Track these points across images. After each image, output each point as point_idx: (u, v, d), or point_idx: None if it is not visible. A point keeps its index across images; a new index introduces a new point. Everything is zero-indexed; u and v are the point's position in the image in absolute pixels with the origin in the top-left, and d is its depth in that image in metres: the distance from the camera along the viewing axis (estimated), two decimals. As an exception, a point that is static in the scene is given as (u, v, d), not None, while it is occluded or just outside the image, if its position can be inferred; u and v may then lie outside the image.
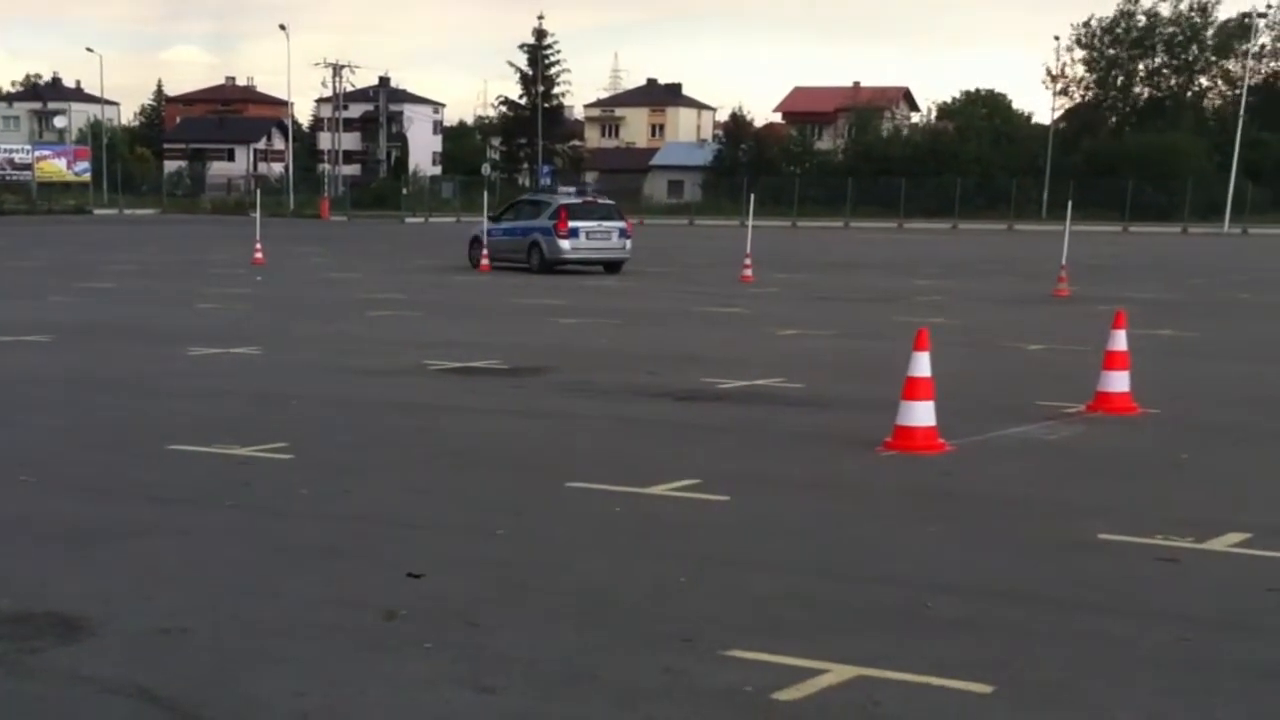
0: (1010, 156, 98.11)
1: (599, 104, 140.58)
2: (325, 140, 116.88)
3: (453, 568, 7.45)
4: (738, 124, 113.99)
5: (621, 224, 33.99)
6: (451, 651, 6.09)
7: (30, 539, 8.02)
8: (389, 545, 7.94)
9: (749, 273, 31.80)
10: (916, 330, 11.27)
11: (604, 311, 23.50)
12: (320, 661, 5.98)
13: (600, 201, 35.18)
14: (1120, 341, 12.86)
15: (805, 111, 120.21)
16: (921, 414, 10.85)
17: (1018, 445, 11.28)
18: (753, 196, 41.60)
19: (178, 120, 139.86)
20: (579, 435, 11.68)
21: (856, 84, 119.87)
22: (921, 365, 10.90)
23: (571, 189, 38.03)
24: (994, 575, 7.40)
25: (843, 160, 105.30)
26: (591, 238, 32.94)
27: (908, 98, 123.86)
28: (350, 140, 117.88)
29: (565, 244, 32.67)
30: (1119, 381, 12.89)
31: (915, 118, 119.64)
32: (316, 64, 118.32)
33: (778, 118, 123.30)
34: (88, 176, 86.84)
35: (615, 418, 12.54)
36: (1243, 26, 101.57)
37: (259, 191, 59.64)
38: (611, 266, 33.79)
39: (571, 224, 32.66)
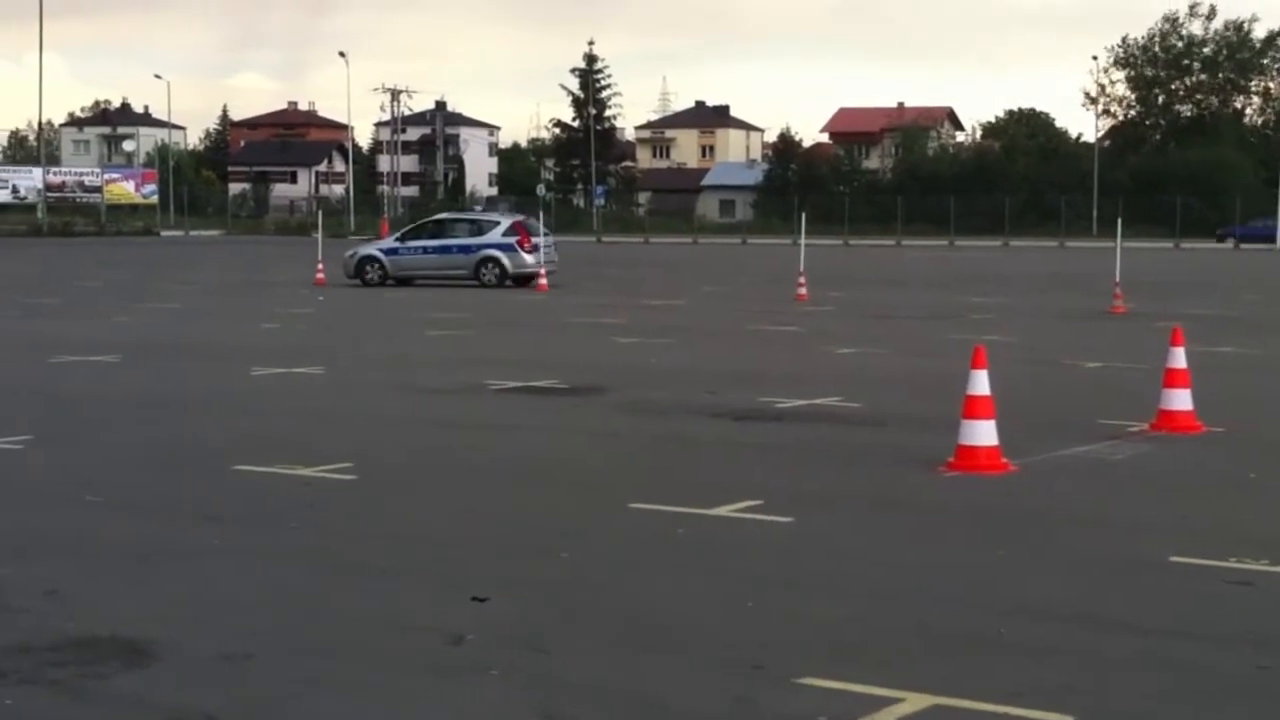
0: (1058, 174, 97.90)
1: (649, 125, 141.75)
2: (384, 162, 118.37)
3: (517, 590, 7.41)
4: (786, 144, 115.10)
5: (553, 239, 37.09)
6: (519, 678, 6.04)
7: (96, 560, 8.04)
8: (453, 567, 7.91)
9: (803, 291, 31.70)
10: (974, 348, 11.16)
11: (661, 330, 23.46)
12: (387, 686, 5.94)
13: (531, 220, 38.14)
14: (1180, 359, 12.69)
15: (851, 131, 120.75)
16: (983, 433, 10.73)
17: (1082, 465, 11.14)
18: (804, 215, 41.51)
19: (242, 144, 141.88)
20: (640, 455, 11.63)
21: (901, 104, 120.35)
22: (981, 383, 10.79)
23: (479, 206, 40.70)
24: (1065, 599, 7.29)
25: (890, 179, 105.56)
26: (544, 251, 35.27)
27: (952, 117, 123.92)
28: (409, 162, 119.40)
29: (529, 258, 34.74)
30: (1182, 399, 12.71)
31: (960, 136, 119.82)
32: (376, 89, 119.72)
33: (824, 138, 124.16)
34: (155, 199, 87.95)
35: (675, 437, 12.49)
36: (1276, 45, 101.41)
37: (320, 213, 60.03)
38: (532, 279, 35.14)
39: (533, 240, 35.02)
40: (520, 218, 37.38)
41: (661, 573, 7.80)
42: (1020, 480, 10.41)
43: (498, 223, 35.78)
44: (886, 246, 79.65)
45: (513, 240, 34.71)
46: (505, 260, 34.46)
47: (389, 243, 36.55)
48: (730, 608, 7.08)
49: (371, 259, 35.53)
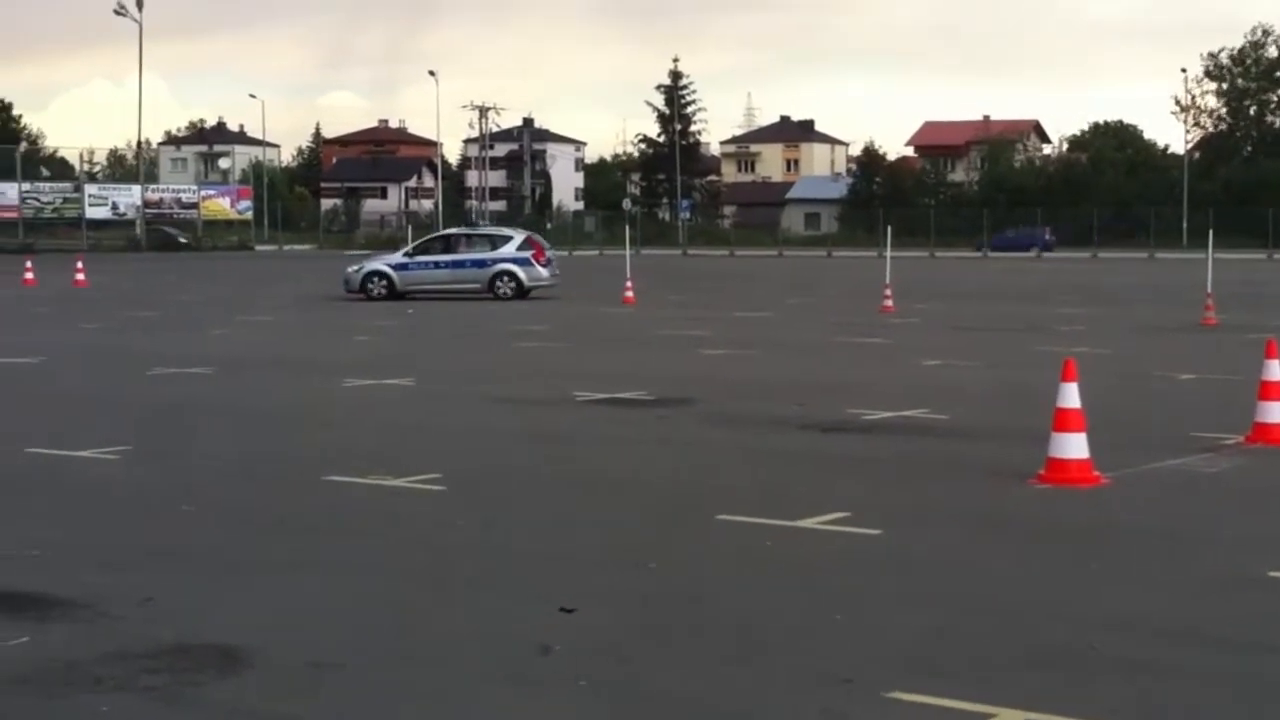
0: (1147, 185, 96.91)
1: (734, 140, 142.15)
2: (473, 178, 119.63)
3: (604, 601, 7.42)
4: (871, 158, 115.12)
5: (556, 253, 38.43)
6: (607, 689, 6.05)
7: (191, 569, 8.14)
8: (540, 577, 7.94)
9: (889, 303, 31.52)
10: (1064, 360, 11.04)
11: (748, 342, 23.42)
12: (475, 697, 5.97)
13: (536, 235, 39.95)
14: (1275, 371, 12.47)
15: (936, 145, 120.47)
16: (1074, 446, 10.61)
17: (1175, 478, 10.99)
18: (890, 228, 41.30)
19: (334, 161, 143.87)
20: (726, 467, 11.62)
21: (986, 117, 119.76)
22: (1071, 396, 10.67)
23: (485, 221, 41.77)
24: (1160, 614, 7.19)
25: (976, 191, 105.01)
26: (553, 264, 36.55)
27: (1038, 130, 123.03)
28: (496, 178, 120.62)
29: (544, 272, 35.70)
30: (1277, 412, 12.50)
31: (1046, 149, 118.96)
32: (464, 106, 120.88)
33: (910, 151, 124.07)
34: (249, 215, 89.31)
35: (762, 449, 12.46)
36: None
37: (410, 227, 60.53)
38: (528, 292, 35.63)
39: (547, 254, 36.13)
40: (532, 233, 38.37)
41: (749, 585, 7.78)
42: (1112, 493, 10.29)
43: (511, 238, 36.44)
44: (972, 258, 79.06)
45: (528, 254, 35.36)
46: (521, 274, 35.03)
47: (396, 258, 36.78)
48: (819, 621, 7.05)
49: (378, 274, 35.74)
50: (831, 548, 8.67)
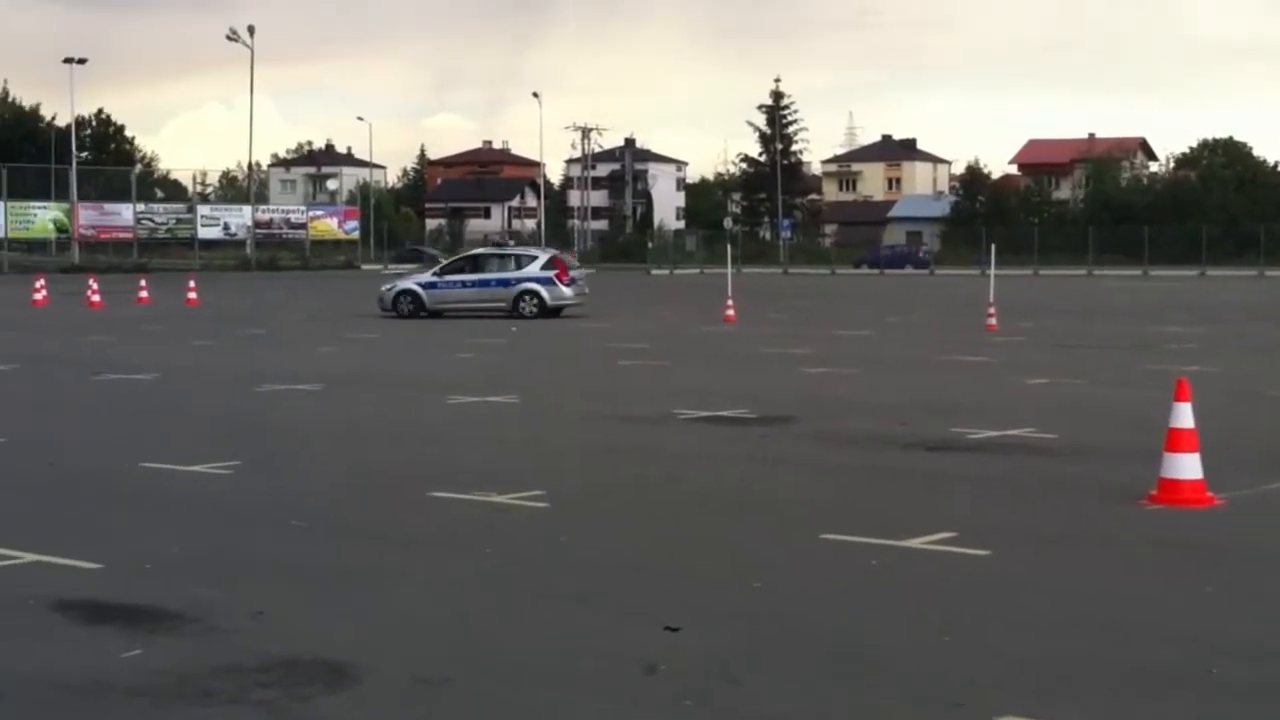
0: (1256, 202, 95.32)
1: (835, 159, 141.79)
2: (575, 198, 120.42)
3: (710, 620, 7.39)
4: (974, 176, 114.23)
5: (584, 272, 38.32)
6: (714, 710, 6.01)
7: (300, 583, 8.22)
8: (645, 594, 7.93)
9: (993, 321, 31.20)
10: (1175, 379, 10.86)
11: (850, 360, 23.29)
12: (581, 714, 5.97)
13: (562, 253, 40.87)
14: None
15: (1041, 163, 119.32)
16: (1187, 466, 10.42)
17: (1292, 500, 10.77)
18: (993, 245, 40.90)
19: (438, 181, 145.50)
20: (830, 485, 11.55)
21: (1092, 135, 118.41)
22: (1184, 416, 10.48)
23: (511, 241, 42.22)
24: (1278, 638, 7.03)
25: (1081, 209, 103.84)
26: (578, 283, 36.60)
27: (1144, 147, 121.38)
28: (598, 197, 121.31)
29: (567, 290, 35.82)
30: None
31: (1153, 167, 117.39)
32: (567, 127, 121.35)
33: (1013, 169, 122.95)
34: (356, 234, 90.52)
35: (866, 468, 12.38)
36: None
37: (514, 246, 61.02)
38: (558, 311, 35.88)
39: (570, 273, 36.32)
40: (557, 252, 38.89)
41: (855, 604, 7.72)
42: (1226, 514, 10.09)
43: (536, 257, 36.99)
44: (1077, 276, 78.08)
45: (551, 274, 35.70)
46: (544, 293, 35.41)
47: (426, 277, 37.43)
48: (927, 642, 6.97)
49: (408, 293, 36.18)
50: (939, 568, 8.57)
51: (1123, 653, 6.77)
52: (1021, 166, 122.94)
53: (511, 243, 48.48)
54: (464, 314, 35.08)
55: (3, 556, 8.80)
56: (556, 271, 35.73)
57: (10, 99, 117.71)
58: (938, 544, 9.11)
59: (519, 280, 35.68)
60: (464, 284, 36.25)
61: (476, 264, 37.59)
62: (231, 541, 9.40)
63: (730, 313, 34.70)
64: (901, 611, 7.55)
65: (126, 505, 10.71)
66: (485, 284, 36.07)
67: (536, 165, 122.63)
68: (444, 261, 42.80)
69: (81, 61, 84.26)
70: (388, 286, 37.61)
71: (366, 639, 7.03)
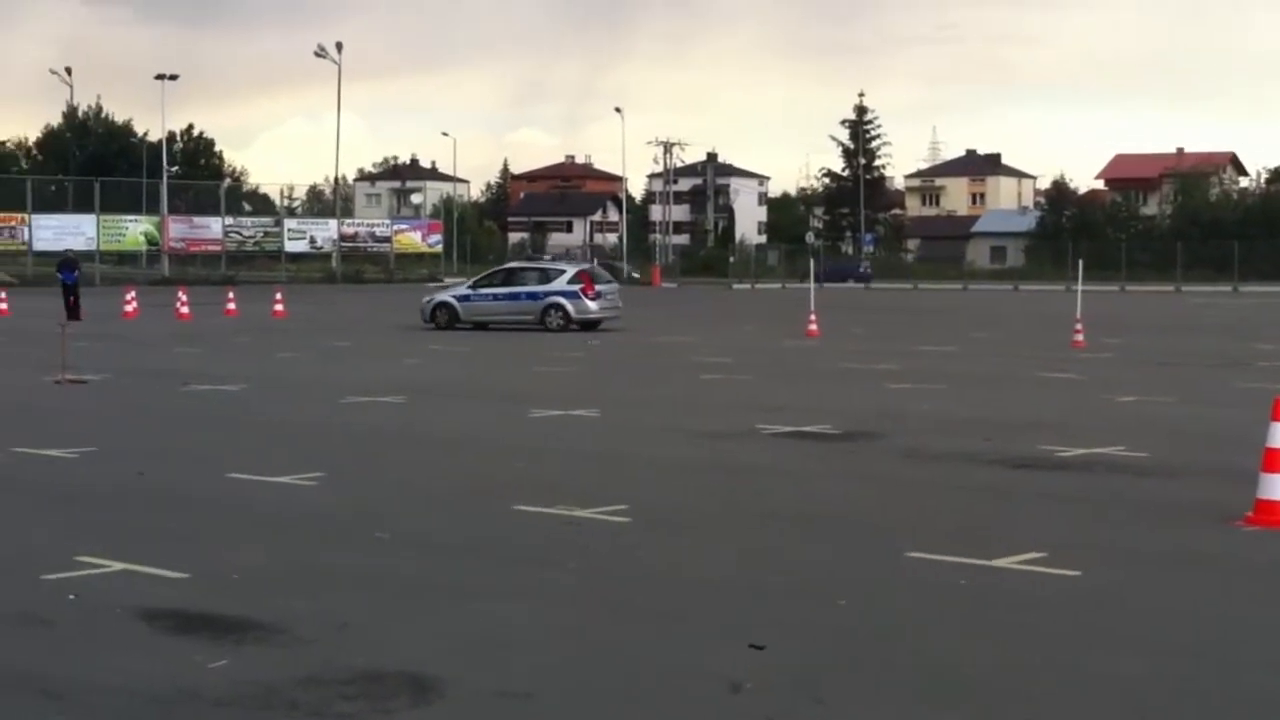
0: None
1: (919, 174, 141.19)
2: (656, 212, 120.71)
3: (794, 637, 7.32)
4: (1060, 191, 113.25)
5: (617, 286, 38.34)
6: (800, 726, 5.95)
7: (384, 595, 8.23)
8: (728, 611, 7.87)
9: (1080, 337, 30.85)
10: (1275, 399, 10.63)
11: (934, 375, 23.10)
12: (667, 730, 5.92)
13: (597, 267, 41.14)
14: None
15: (1128, 178, 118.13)
16: (1285, 487, 10.21)
17: (1392, 522, 10.50)
18: (1080, 261, 40.45)
19: (521, 195, 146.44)
20: (916, 502, 11.42)
21: (1180, 150, 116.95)
22: (1281, 436, 10.28)
23: (548, 256, 45.16)
24: (1380, 664, 6.86)
25: (1169, 224, 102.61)
26: (606, 299, 36.57)
27: (1234, 162, 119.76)
28: (680, 212, 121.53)
29: (593, 305, 36.08)
30: None
31: (1243, 182, 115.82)
32: (649, 142, 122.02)
33: (1100, 184, 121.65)
34: (439, 248, 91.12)
35: (952, 485, 12.24)
36: None
37: (595, 260, 61.11)
38: (595, 324, 36.28)
39: (597, 287, 36.38)
40: (585, 267, 39.15)
41: (943, 624, 7.61)
42: (1324, 537, 9.87)
43: (564, 271, 37.31)
44: (1165, 292, 77.11)
45: (577, 288, 36.02)
46: (570, 307, 35.76)
47: (462, 290, 38.23)
48: (1017, 663, 6.86)
49: (444, 305, 36.85)
50: (1027, 588, 8.44)
51: (1221, 676, 6.63)
52: (1108, 181, 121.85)
53: (547, 257, 49.97)
54: (510, 327, 35.55)
55: (92, 565, 8.88)
56: (582, 286, 36.06)
57: (104, 115, 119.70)
58: (1027, 563, 8.98)
59: (546, 294, 36.12)
60: (495, 296, 36.91)
61: (510, 277, 38.22)
62: (316, 553, 9.44)
63: (813, 327, 34.56)
64: (992, 632, 7.44)
65: (213, 515, 10.79)
66: (515, 297, 36.57)
67: (618, 180, 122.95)
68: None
69: (173, 78, 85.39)
70: (427, 299, 38.33)
71: (449, 651, 7.02)
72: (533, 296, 36.23)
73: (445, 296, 37.94)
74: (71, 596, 8.14)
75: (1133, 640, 7.29)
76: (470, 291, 37.62)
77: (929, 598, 8.19)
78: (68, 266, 42.77)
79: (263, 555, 9.30)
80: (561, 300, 35.81)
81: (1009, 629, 7.48)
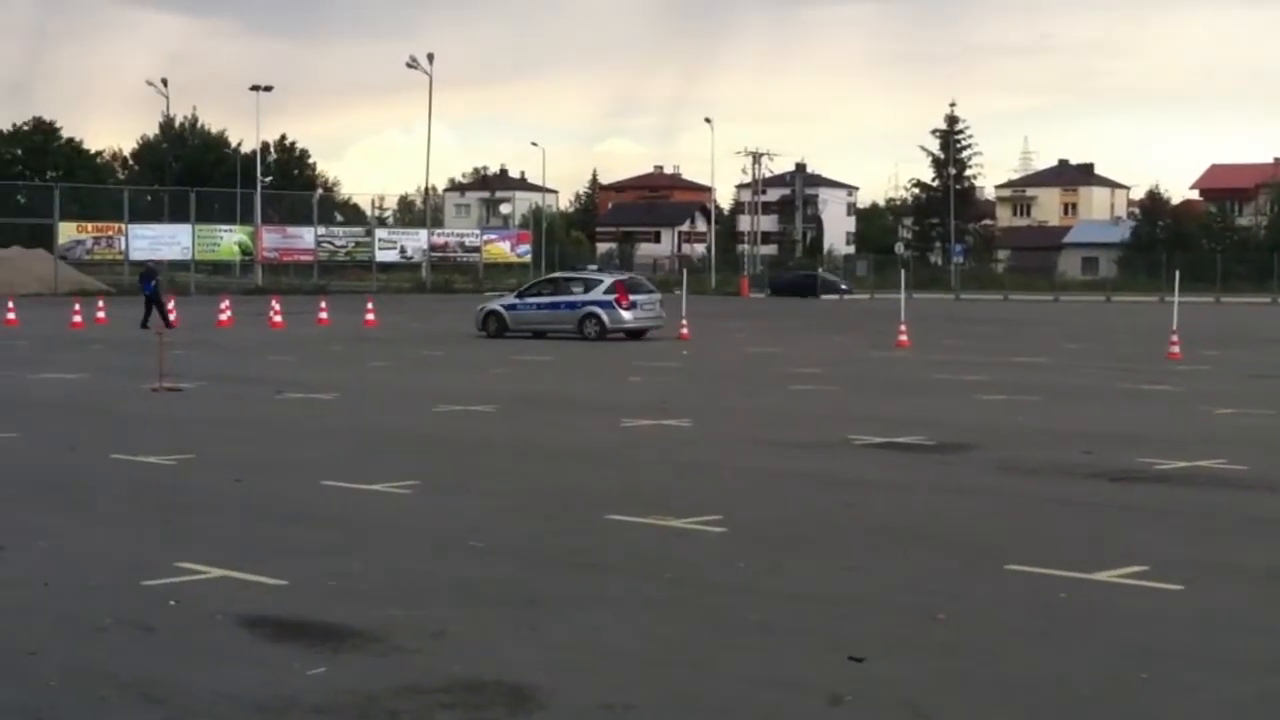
0: None
1: (1010, 184, 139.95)
2: (744, 222, 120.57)
3: (894, 651, 7.24)
4: (1154, 201, 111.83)
5: (659, 296, 38.50)
6: (902, 741, 5.88)
7: (480, 603, 8.24)
8: (826, 624, 7.80)
9: (1176, 349, 30.40)
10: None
11: (1028, 387, 22.85)
12: (767, 743, 5.87)
13: (637, 277, 41.52)
14: None
15: (1224, 188, 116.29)
16: (1393, 502, 10.00)
17: None
18: (1176, 272, 39.88)
19: (609, 206, 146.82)
20: (1013, 515, 11.29)
21: (1277, 159, 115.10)
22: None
23: (594, 267, 46.84)
24: None
25: (1265, 235, 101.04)
26: (643, 309, 36.89)
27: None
28: (768, 222, 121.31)
29: (626, 314, 36.42)
30: None
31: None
32: (738, 152, 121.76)
33: (1195, 195, 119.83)
34: (528, 258, 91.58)
35: (1050, 498, 12.09)
36: None
37: (684, 270, 61.15)
38: (641, 333, 36.83)
39: (631, 297, 36.70)
40: (623, 277, 39.63)
41: (1044, 638, 7.50)
42: None
43: (600, 281, 37.84)
44: (1262, 304, 75.88)
45: (611, 298, 36.53)
46: (604, 316, 36.27)
47: (510, 299, 39.03)
48: (1122, 680, 6.74)
49: (494, 313, 37.77)
50: (1129, 602, 8.30)
51: (1332, 697, 6.48)
52: (1203, 192, 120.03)
53: (592, 267, 50.69)
54: (555, 335, 36.17)
55: (191, 571, 8.97)
56: (616, 296, 36.58)
57: (200, 126, 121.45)
58: (1128, 577, 8.84)
59: (584, 303, 36.74)
60: (539, 305, 37.62)
61: (553, 287, 39.08)
62: (411, 561, 9.47)
63: (903, 338, 34.33)
64: (1093, 647, 7.31)
65: (308, 523, 10.86)
66: (555, 306, 37.30)
67: (707, 190, 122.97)
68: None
69: (267, 89, 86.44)
70: (480, 307, 39.21)
71: (547, 662, 7.01)
72: (571, 306, 36.95)
73: (494, 305, 38.87)
74: (172, 602, 8.21)
75: (1238, 657, 7.14)
76: (517, 300, 38.41)
77: (1031, 612, 8.07)
78: (147, 277, 43.42)
79: (360, 563, 9.34)
80: (597, 310, 36.43)
81: (1112, 645, 7.35)
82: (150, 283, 42.59)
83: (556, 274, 45.16)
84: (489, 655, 7.13)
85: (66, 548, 9.87)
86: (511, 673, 6.80)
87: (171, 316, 40.16)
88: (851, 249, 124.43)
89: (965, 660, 7.08)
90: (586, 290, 37.31)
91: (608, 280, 37.90)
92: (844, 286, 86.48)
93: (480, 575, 8.99)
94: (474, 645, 7.32)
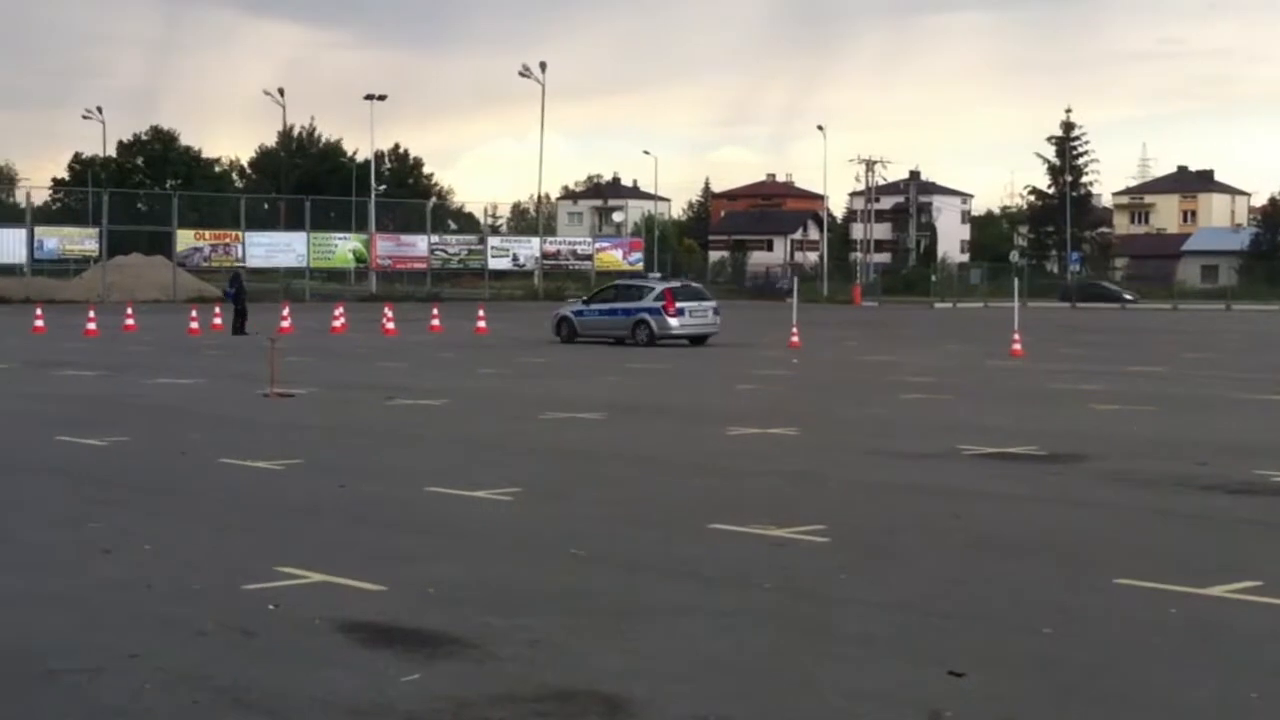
0: None
1: (1127, 192, 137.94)
2: (857, 230, 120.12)
3: (996, 666, 7.08)
4: (1276, 208, 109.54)
5: (714, 303, 38.88)
6: (1002, 758, 5.74)
7: (578, 612, 8.19)
8: (927, 636, 7.66)
9: (1300, 359, 29.70)
10: None
11: (1144, 397, 22.41)
12: (863, 758, 5.76)
13: (692, 285, 42.17)
14: None
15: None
16: None
17: None
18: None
19: (722, 214, 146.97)
20: (1124, 528, 11.04)
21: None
22: None
23: (657, 274, 49.14)
24: None
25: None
26: (692, 315, 37.44)
27: None
28: (881, 230, 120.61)
29: (673, 321, 36.94)
30: None
31: None
32: (850, 160, 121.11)
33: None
34: (640, 265, 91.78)
35: (1163, 510, 11.81)
36: None
37: (795, 279, 60.91)
38: (701, 339, 37.35)
39: (678, 304, 37.16)
40: (674, 284, 40.11)
41: (1153, 655, 7.31)
42: None
43: (652, 289, 38.41)
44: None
45: (659, 305, 37.15)
46: (653, 323, 36.93)
47: (579, 305, 40.11)
48: (1234, 699, 6.54)
49: (565, 319, 38.83)
50: (1244, 619, 8.07)
51: None
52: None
53: (655, 275, 51.34)
54: (598, 341, 36.89)
55: (292, 576, 9.02)
56: (664, 303, 37.07)
57: (316, 135, 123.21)
58: (1242, 593, 8.60)
59: (636, 310, 37.47)
60: (600, 312, 38.54)
61: (614, 294, 39.81)
62: (511, 568, 9.45)
63: (1017, 347, 33.89)
64: (1204, 665, 7.11)
65: (410, 529, 10.90)
66: (613, 312, 38.11)
67: (819, 198, 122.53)
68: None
69: (382, 98, 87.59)
70: (554, 312, 40.36)
71: (643, 672, 6.94)
72: (626, 313, 37.74)
73: (565, 311, 39.90)
74: (272, 607, 8.26)
75: (1360, 678, 6.90)
76: (584, 307, 39.50)
77: (1139, 627, 7.87)
78: (234, 282, 43.97)
79: (459, 569, 9.34)
80: (647, 317, 37.12)
81: (1224, 662, 7.14)
82: (232, 289, 43.16)
83: (619, 281, 46.26)
84: (585, 665, 7.09)
85: (171, 551, 9.97)
86: (607, 682, 6.74)
87: (246, 323, 40.53)
88: (966, 257, 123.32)
89: (1069, 675, 6.91)
90: (640, 297, 38.07)
91: (658, 288, 38.53)
92: (1128, 296, 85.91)
93: (578, 583, 8.95)
94: (570, 654, 7.28)
